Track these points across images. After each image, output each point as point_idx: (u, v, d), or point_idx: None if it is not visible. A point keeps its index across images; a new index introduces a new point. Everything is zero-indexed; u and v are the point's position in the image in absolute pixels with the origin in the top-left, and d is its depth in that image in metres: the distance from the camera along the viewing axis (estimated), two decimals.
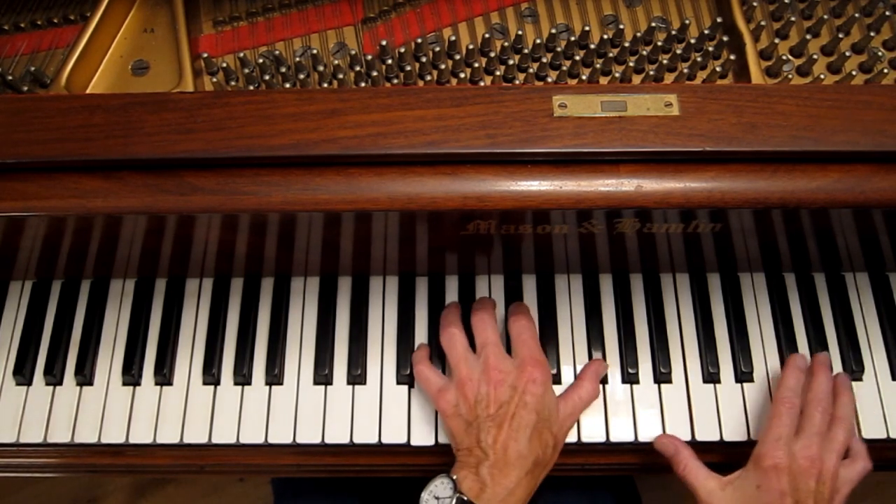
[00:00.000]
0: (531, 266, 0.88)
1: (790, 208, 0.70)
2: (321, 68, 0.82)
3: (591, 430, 0.82)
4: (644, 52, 0.84)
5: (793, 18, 0.85)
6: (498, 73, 0.82)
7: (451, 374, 0.79)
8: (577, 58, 0.83)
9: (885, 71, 0.82)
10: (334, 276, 0.89)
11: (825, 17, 0.84)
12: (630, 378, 0.84)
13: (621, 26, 0.84)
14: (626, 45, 0.83)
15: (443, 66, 0.82)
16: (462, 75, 0.82)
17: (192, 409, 0.83)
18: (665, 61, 0.82)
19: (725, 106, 0.70)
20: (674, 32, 0.84)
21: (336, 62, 0.82)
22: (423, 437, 0.82)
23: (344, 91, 0.74)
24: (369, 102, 0.71)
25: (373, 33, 0.86)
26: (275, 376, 0.84)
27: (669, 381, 0.84)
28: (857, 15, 0.84)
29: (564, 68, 0.83)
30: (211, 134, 0.69)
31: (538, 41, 0.83)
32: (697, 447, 0.82)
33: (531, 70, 0.83)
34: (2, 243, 0.79)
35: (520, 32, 0.84)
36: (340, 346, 0.86)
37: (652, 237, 0.78)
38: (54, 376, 0.85)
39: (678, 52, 0.83)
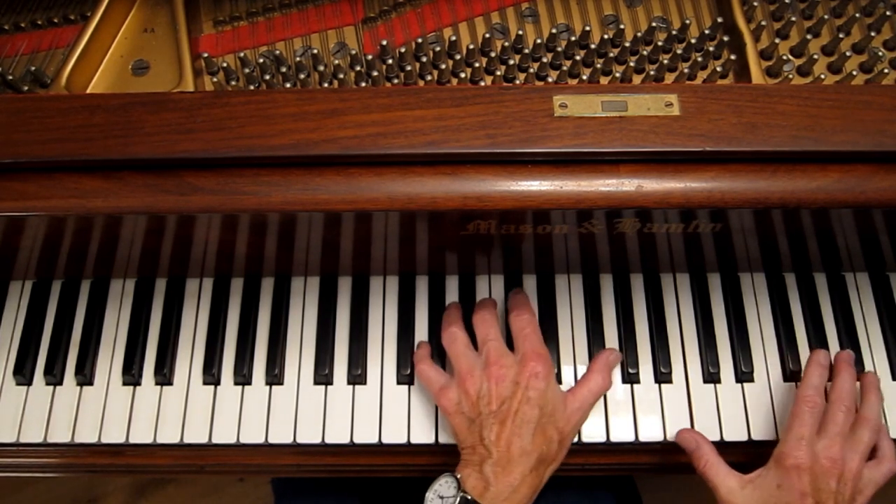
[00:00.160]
0: (531, 266, 0.88)
1: (790, 208, 0.70)
2: (321, 68, 0.82)
3: (591, 430, 0.82)
4: (644, 52, 0.84)
5: (793, 18, 0.85)
6: (498, 72, 0.82)
7: (452, 372, 0.79)
8: (578, 58, 0.83)
9: (886, 71, 0.82)
10: (334, 276, 0.89)
11: (825, 17, 0.84)
12: (630, 378, 0.84)
13: (622, 26, 0.84)
14: (627, 45, 0.83)
15: (443, 66, 0.82)
16: (462, 75, 0.82)
17: (192, 409, 0.83)
18: (665, 61, 0.82)
19: (726, 106, 0.70)
20: (674, 32, 0.84)
21: (336, 62, 0.82)
22: (423, 436, 0.82)
23: (344, 91, 0.74)
24: (369, 102, 0.71)
25: (373, 33, 0.86)
26: (275, 376, 0.84)
27: (670, 381, 0.84)
28: (857, 15, 0.84)
29: (565, 68, 0.83)
30: (211, 134, 0.69)
31: (538, 41, 0.83)
32: None
33: (531, 70, 0.83)
34: (2, 243, 0.79)
35: (520, 32, 0.84)
36: (340, 346, 0.86)
37: (652, 237, 0.78)
38: (54, 376, 0.85)
39: (679, 52, 0.83)
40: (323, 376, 0.84)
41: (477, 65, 0.81)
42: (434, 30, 0.86)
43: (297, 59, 0.85)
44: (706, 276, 0.89)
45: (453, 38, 0.83)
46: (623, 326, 0.86)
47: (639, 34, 0.84)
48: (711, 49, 0.83)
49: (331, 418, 0.83)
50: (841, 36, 0.83)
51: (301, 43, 0.86)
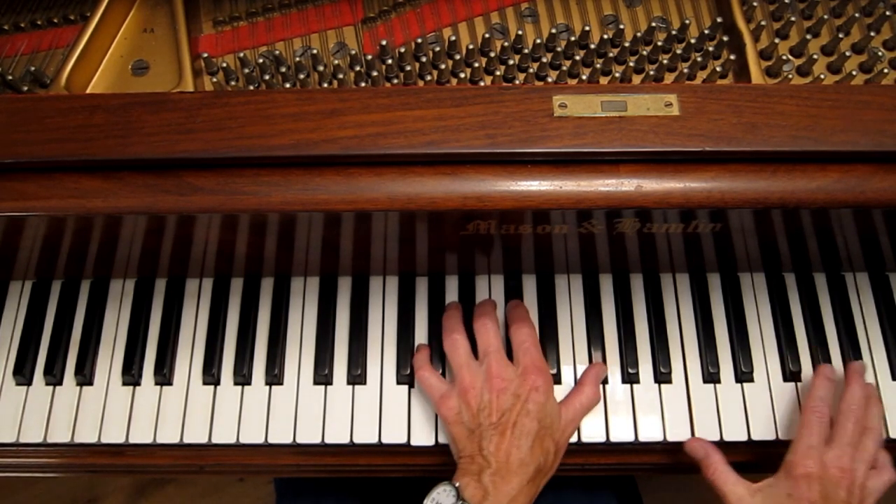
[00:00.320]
0: (531, 266, 0.88)
1: (790, 208, 0.70)
2: (321, 68, 0.82)
3: (591, 430, 0.82)
4: (644, 52, 0.84)
5: (793, 18, 0.85)
6: (498, 73, 0.82)
7: (452, 379, 0.80)
8: (578, 58, 0.83)
9: (885, 71, 0.82)
10: (334, 276, 0.89)
11: (825, 17, 0.84)
12: (630, 378, 0.84)
13: (621, 26, 0.84)
14: (627, 45, 0.83)
15: (443, 66, 0.82)
16: (462, 75, 0.82)
17: (192, 409, 0.83)
18: (665, 61, 0.82)
19: (725, 106, 0.70)
20: (674, 32, 0.84)
21: (336, 62, 0.82)
22: (423, 437, 0.82)
23: (344, 91, 0.74)
24: (369, 102, 0.71)
25: (373, 33, 0.86)
26: (275, 376, 0.84)
27: (669, 381, 0.84)
28: (857, 15, 0.84)
29: (564, 68, 0.83)
30: (211, 134, 0.69)
31: (538, 41, 0.83)
32: None
33: (531, 70, 0.83)
34: (2, 243, 0.79)
35: (520, 32, 0.84)
36: (340, 346, 0.86)
37: (652, 237, 0.78)
38: (54, 376, 0.85)
39: (678, 52, 0.83)
40: (323, 376, 0.84)
41: (476, 65, 0.81)
42: (434, 30, 0.86)
43: (297, 59, 0.85)
44: (706, 276, 0.89)
45: (453, 38, 0.83)
46: (623, 326, 0.86)
47: (638, 34, 0.84)
48: (711, 49, 0.83)
49: (330, 418, 0.83)
50: (841, 36, 0.83)
51: (301, 43, 0.86)
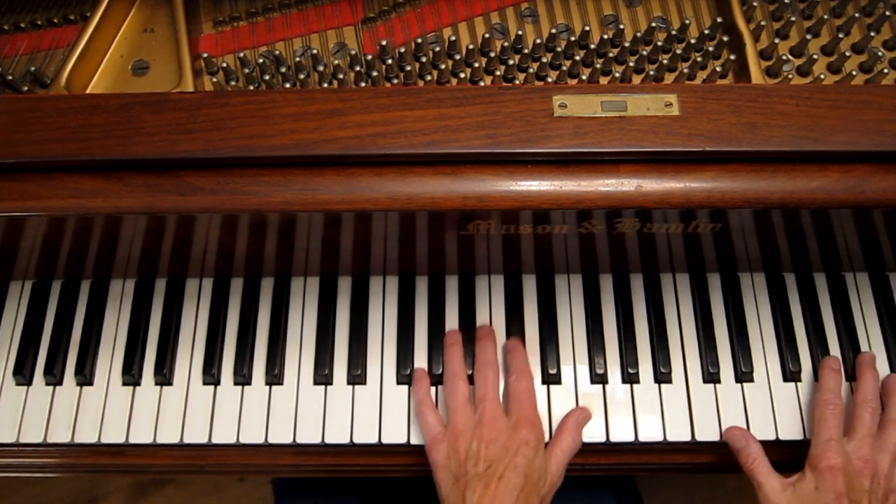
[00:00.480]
0: (531, 266, 0.88)
1: (790, 208, 0.70)
2: (321, 68, 0.82)
3: (591, 430, 0.82)
4: (644, 52, 0.84)
5: (793, 18, 0.85)
6: (498, 73, 0.82)
7: (447, 419, 0.79)
8: (578, 58, 0.83)
9: (885, 71, 0.82)
10: (334, 276, 0.89)
11: (825, 17, 0.84)
12: (630, 378, 0.84)
13: (621, 26, 0.84)
14: (627, 45, 0.83)
15: (443, 66, 0.82)
16: (462, 75, 0.82)
17: (192, 409, 0.83)
18: (665, 61, 0.82)
19: (725, 106, 0.70)
20: (674, 32, 0.84)
21: (336, 62, 0.82)
22: (422, 437, 0.82)
23: (344, 91, 0.74)
24: (369, 102, 0.71)
25: (373, 33, 0.86)
26: (275, 376, 0.84)
27: (669, 381, 0.84)
28: (857, 15, 0.84)
29: (564, 68, 0.83)
30: (211, 134, 0.69)
31: (538, 41, 0.83)
32: (697, 448, 0.82)
33: (531, 70, 0.83)
34: (2, 243, 0.79)
35: (520, 32, 0.84)
36: (340, 346, 0.86)
37: (652, 237, 0.78)
38: (54, 376, 0.85)
39: (678, 52, 0.83)
40: (323, 376, 0.84)
41: (476, 65, 0.81)
42: (434, 30, 0.86)
43: (297, 59, 0.85)
44: (706, 276, 0.89)
45: (453, 38, 0.83)
46: (623, 326, 0.86)
47: (638, 34, 0.84)
48: (711, 49, 0.83)
49: (330, 418, 0.83)
50: (841, 36, 0.83)
51: (301, 43, 0.86)
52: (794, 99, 0.71)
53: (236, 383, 0.85)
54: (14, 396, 0.84)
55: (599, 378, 0.84)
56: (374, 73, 0.81)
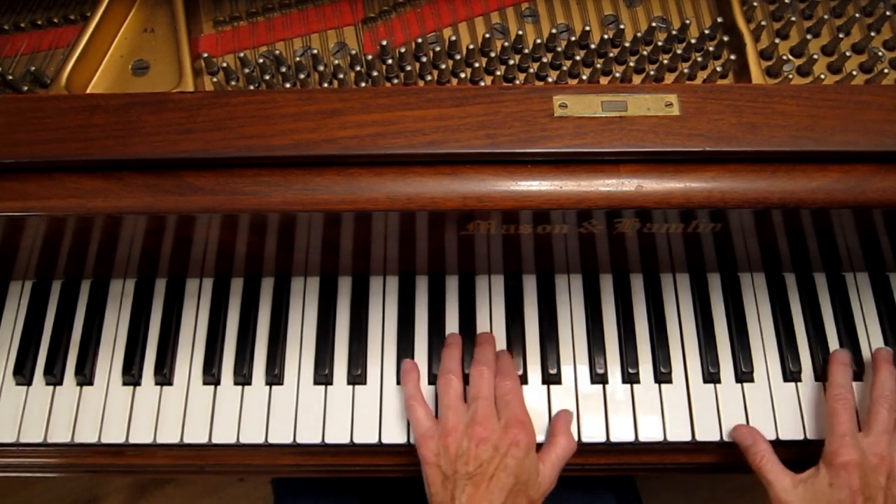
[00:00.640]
0: (531, 266, 0.88)
1: (790, 208, 0.70)
2: (321, 68, 0.82)
3: (591, 430, 0.82)
4: (644, 52, 0.84)
5: (793, 18, 0.85)
6: (498, 73, 0.82)
7: (439, 416, 0.79)
8: (578, 58, 0.83)
9: (886, 71, 0.82)
10: (334, 276, 0.89)
11: (825, 17, 0.84)
12: (630, 378, 0.84)
13: (622, 26, 0.84)
14: (627, 45, 0.83)
15: (443, 66, 0.82)
16: (462, 75, 0.82)
17: (192, 409, 0.83)
18: (665, 61, 0.82)
19: (725, 106, 0.70)
20: (674, 32, 0.84)
21: (336, 62, 0.82)
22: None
23: (344, 91, 0.74)
24: (369, 102, 0.71)
25: (373, 33, 0.86)
26: (275, 376, 0.84)
27: (669, 381, 0.84)
28: (857, 15, 0.84)
29: (565, 68, 0.83)
30: (211, 134, 0.69)
31: (538, 41, 0.83)
32: (697, 448, 0.82)
33: (531, 70, 0.83)
34: (2, 243, 0.79)
35: (520, 32, 0.84)
36: (340, 346, 0.86)
37: (652, 237, 0.78)
38: (54, 376, 0.85)
39: (678, 52, 0.83)
40: (323, 376, 0.84)
41: (477, 65, 0.81)
42: (434, 30, 0.86)
43: (297, 59, 0.85)
44: (706, 276, 0.89)
45: (453, 38, 0.83)
46: (623, 326, 0.86)
47: (639, 34, 0.84)
48: (711, 49, 0.83)
49: (331, 418, 0.83)
50: (841, 36, 0.84)
51: (301, 43, 0.86)
52: (794, 99, 0.71)
53: (236, 383, 0.85)
54: (14, 396, 0.84)
55: (599, 378, 0.84)
56: (375, 73, 0.81)
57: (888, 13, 0.85)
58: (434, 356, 0.85)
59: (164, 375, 0.84)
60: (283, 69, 0.83)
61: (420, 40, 0.83)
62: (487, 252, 0.83)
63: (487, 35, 0.83)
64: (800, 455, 0.79)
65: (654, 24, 0.84)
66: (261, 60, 0.82)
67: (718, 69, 0.81)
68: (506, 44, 0.84)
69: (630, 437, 0.82)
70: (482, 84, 0.82)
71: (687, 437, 0.81)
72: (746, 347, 0.85)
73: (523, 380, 0.84)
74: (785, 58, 0.83)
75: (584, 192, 0.70)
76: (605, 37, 0.83)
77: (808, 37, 0.83)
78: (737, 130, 0.69)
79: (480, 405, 0.77)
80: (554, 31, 0.85)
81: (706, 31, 0.84)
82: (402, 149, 0.69)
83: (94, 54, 0.83)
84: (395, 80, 0.83)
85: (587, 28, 0.83)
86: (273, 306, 0.88)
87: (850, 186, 0.69)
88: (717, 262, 0.87)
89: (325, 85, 0.82)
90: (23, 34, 0.86)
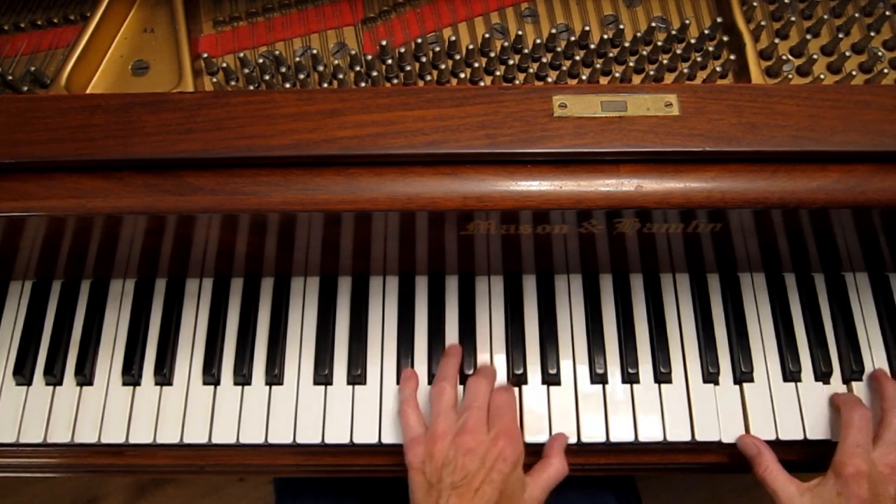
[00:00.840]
0: (531, 266, 0.88)
1: (790, 208, 0.70)
2: (321, 68, 0.82)
3: (591, 430, 0.82)
4: (644, 52, 0.84)
5: (793, 18, 0.85)
6: (498, 73, 0.82)
7: (429, 423, 0.78)
8: (577, 58, 0.83)
9: (885, 71, 0.82)
10: (334, 276, 0.89)
11: (825, 17, 0.84)
12: (630, 378, 0.84)
13: (621, 26, 0.84)
14: (626, 45, 0.83)
15: (443, 66, 0.82)
16: (462, 75, 0.82)
17: (192, 409, 0.83)
18: (665, 61, 0.82)
19: (725, 106, 0.70)
20: (674, 32, 0.84)
21: (336, 62, 0.82)
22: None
23: (344, 91, 0.74)
24: (369, 102, 0.71)
25: (373, 33, 0.86)
26: (275, 376, 0.84)
27: (669, 381, 0.84)
28: (857, 15, 0.84)
29: (564, 68, 0.83)
30: (211, 134, 0.69)
31: (538, 41, 0.83)
32: (697, 448, 0.82)
33: (531, 70, 0.83)
34: (2, 243, 0.79)
35: (520, 32, 0.84)
36: (340, 346, 0.86)
37: (652, 237, 0.78)
38: (54, 376, 0.85)
39: (678, 52, 0.83)
40: (323, 376, 0.84)
41: (476, 65, 0.81)
42: (434, 30, 0.86)
43: (297, 59, 0.85)
44: (706, 276, 0.89)
45: (453, 38, 0.83)
46: (623, 326, 0.86)
47: (638, 34, 0.84)
48: (711, 49, 0.83)
49: (330, 418, 0.83)
50: (841, 36, 0.84)
51: (301, 43, 0.86)
52: (794, 99, 0.71)
53: (236, 383, 0.85)
54: (14, 396, 0.84)
55: (599, 378, 0.84)
56: (374, 73, 0.81)
57: (888, 13, 0.85)
58: (434, 356, 0.85)
59: (164, 375, 0.84)
60: (283, 69, 0.83)
61: (420, 40, 0.83)
62: (487, 252, 0.83)
63: (487, 35, 0.83)
64: (800, 455, 0.79)
65: (653, 24, 0.84)
66: (261, 60, 0.83)
67: (718, 69, 0.81)
68: (505, 44, 0.84)
69: (630, 437, 0.82)
70: (482, 84, 0.82)
71: (687, 437, 0.81)
72: (746, 347, 0.85)
73: (523, 380, 0.84)
74: (784, 58, 0.83)
75: (583, 192, 0.70)
76: (605, 37, 0.83)
77: (808, 37, 0.83)
78: (737, 130, 0.69)
79: (472, 415, 0.76)
80: (553, 31, 0.85)
81: (706, 32, 0.84)
82: (402, 149, 0.69)
83: (93, 54, 0.83)
84: (395, 81, 0.83)
85: (587, 28, 0.83)
86: (273, 306, 0.88)
87: (850, 186, 0.69)
88: (716, 262, 0.87)
89: (325, 85, 0.82)
90: (23, 34, 0.86)
